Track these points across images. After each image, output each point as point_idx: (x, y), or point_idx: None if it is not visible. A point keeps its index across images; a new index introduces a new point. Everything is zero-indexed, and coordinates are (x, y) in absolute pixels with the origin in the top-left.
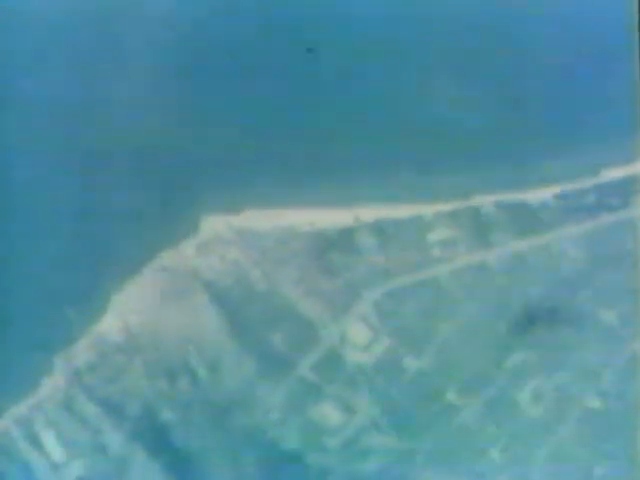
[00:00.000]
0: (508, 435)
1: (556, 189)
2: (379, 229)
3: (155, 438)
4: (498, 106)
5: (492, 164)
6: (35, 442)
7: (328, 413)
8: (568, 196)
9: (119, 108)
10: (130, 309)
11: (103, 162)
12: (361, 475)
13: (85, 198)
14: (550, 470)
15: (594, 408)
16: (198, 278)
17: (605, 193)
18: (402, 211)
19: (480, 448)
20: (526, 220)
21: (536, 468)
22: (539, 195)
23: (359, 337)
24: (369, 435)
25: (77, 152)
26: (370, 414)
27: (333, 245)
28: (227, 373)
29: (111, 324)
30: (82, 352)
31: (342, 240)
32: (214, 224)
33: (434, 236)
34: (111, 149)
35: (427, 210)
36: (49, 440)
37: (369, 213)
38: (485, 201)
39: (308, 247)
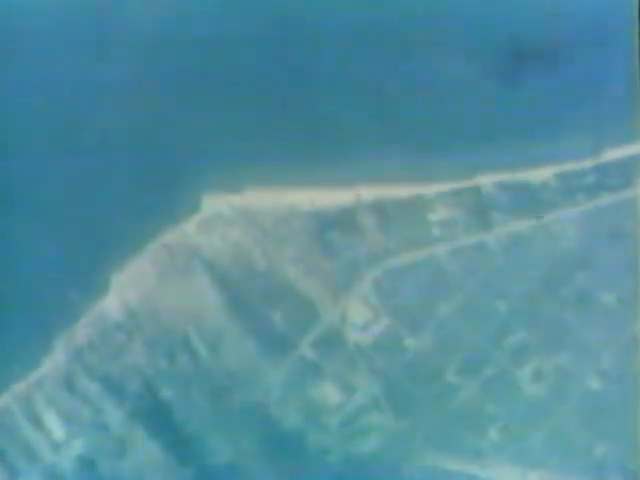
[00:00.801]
0: (507, 414)
1: (557, 169)
2: (379, 209)
3: (155, 417)
4: (498, 86)
5: (493, 144)
6: (35, 420)
7: (328, 392)
8: (569, 176)
9: (118, 87)
10: (130, 288)
11: (103, 142)
12: (360, 454)
13: (85, 177)
14: (550, 450)
15: (594, 388)
16: (199, 257)
17: (606, 173)
18: (402, 191)
19: (479, 427)
20: (526, 200)
21: (535, 448)
22: (540, 175)
23: (359, 316)
24: (368, 414)
25: (76, 132)
26: (370, 393)
27: (333, 224)
28: (227, 352)
29: (111, 303)
30: (82, 331)
31: (342, 219)
32: (215, 203)
33: (434, 216)
34: (110, 128)
35: (428, 190)
36: (49, 418)
37: (369, 193)
38: (486, 181)
39: (308, 226)
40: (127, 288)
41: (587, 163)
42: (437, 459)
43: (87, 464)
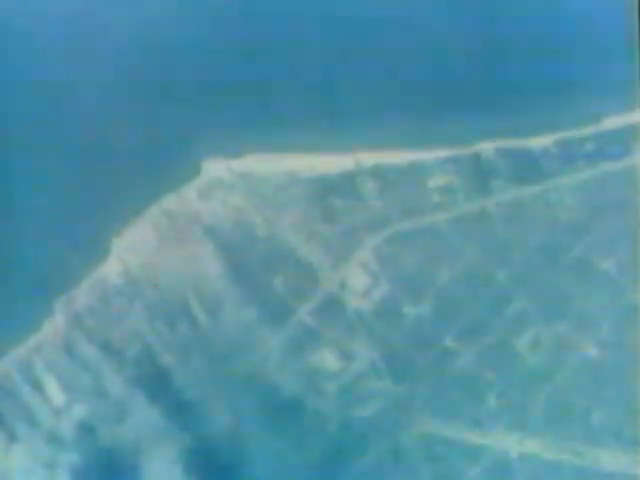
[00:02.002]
0: (506, 382)
1: (557, 136)
2: (379, 175)
3: (155, 382)
4: (500, 56)
5: (493, 111)
6: (35, 385)
7: (327, 358)
8: (568, 144)
9: (122, 53)
10: (131, 253)
11: (105, 108)
12: (359, 420)
13: (88, 143)
14: (547, 417)
15: (592, 356)
16: (199, 223)
17: (605, 141)
18: (403, 157)
19: (477, 394)
20: (526, 167)
21: (533, 415)
22: (540, 142)
23: (359, 283)
24: (367, 380)
25: (80, 101)
26: (369, 359)
27: (333, 190)
28: (227, 318)
29: (112, 268)
30: (82, 295)
31: (343, 185)
32: (215, 168)
33: (434, 182)
34: (113, 95)
35: (427, 156)
36: (49, 384)
37: (370, 158)
38: (486, 148)
39: (309, 192)
40: (127, 253)
41: (587, 131)
42: (435, 426)
43: (87, 429)
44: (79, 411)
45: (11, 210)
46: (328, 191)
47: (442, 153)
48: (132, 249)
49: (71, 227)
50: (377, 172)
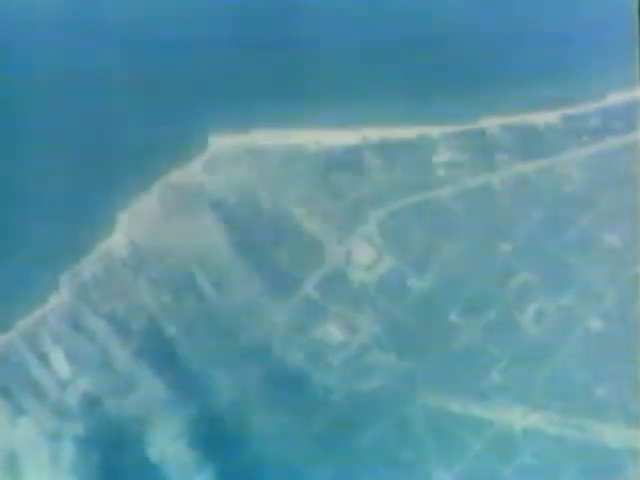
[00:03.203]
0: (509, 356)
1: (562, 112)
2: (385, 149)
3: (161, 354)
4: (504, 31)
5: (499, 86)
6: (42, 357)
7: (331, 332)
8: (574, 119)
9: (126, 28)
10: (136, 226)
11: (110, 82)
12: (363, 393)
13: (93, 116)
14: (551, 391)
15: (596, 329)
16: (205, 196)
17: (610, 116)
18: (408, 132)
19: (481, 368)
20: (531, 142)
21: (537, 389)
22: (545, 117)
23: (363, 257)
24: (371, 354)
25: (86, 72)
26: (373, 333)
27: (339, 165)
28: (232, 291)
29: (117, 240)
30: (88, 267)
31: (348, 160)
32: (221, 143)
33: (439, 157)
34: (119, 68)
35: (433, 131)
36: (56, 355)
37: (375, 133)
38: (491, 123)
39: (314, 166)
40: (133, 227)
41: (592, 106)
42: (439, 400)
43: (92, 401)
44: (85, 383)
45: (16, 184)
46: (333, 166)
47: (447, 128)
48: (138, 223)
49: (76, 200)
50: (382, 147)
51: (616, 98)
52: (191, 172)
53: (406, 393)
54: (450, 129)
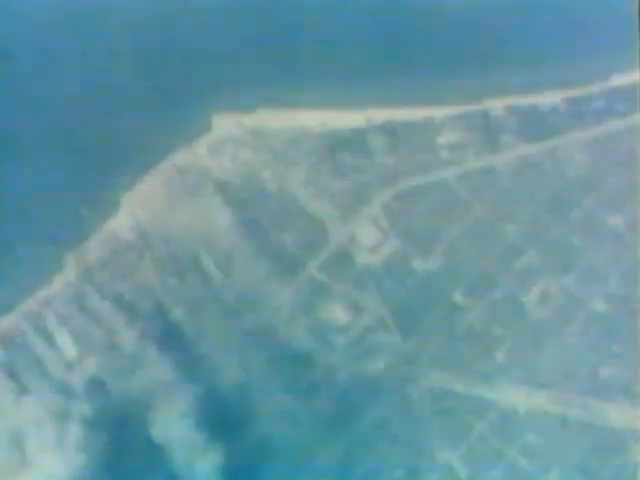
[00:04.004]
0: (513, 337)
1: (566, 94)
2: (389, 131)
3: (166, 336)
4: (509, 14)
5: (503, 68)
6: (47, 338)
7: (336, 312)
8: (577, 101)
9: (133, 10)
10: (141, 207)
11: (115, 62)
12: (367, 374)
13: (98, 96)
14: (555, 371)
15: (600, 310)
16: (209, 178)
17: (614, 98)
18: (412, 113)
19: (486, 349)
20: (535, 124)
21: (541, 370)
22: (549, 99)
23: (368, 238)
24: (376, 334)
25: (91, 53)
26: (377, 314)
27: (344, 146)
28: (237, 272)
29: (122, 222)
30: (94, 249)
31: (353, 141)
32: (226, 124)
33: (444, 139)
34: (123, 48)
35: (437, 113)
36: (62, 336)
37: (380, 114)
38: (495, 105)
39: (319, 148)
40: (138, 208)
41: (595, 88)
42: (444, 380)
43: (98, 382)
44: (90, 364)
45: (22, 164)
46: (338, 147)
47: (452, 110)
48: (143, 204)
49: (82, 181)
50: (387, 128)
51: (619, 80)
52: (196, 154)
53: (410, 374)
54: (454, 111)
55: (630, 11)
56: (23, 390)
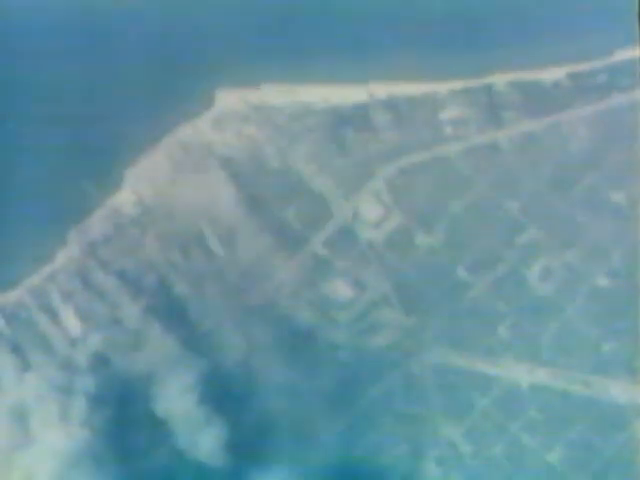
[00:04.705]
0: (517, 312)
1: (569, 69)
2: (392, 106)
3: (170, 311)
4: None
5: (506, 43)
6: (51, 314)
7: (339, 288)
8: (580, 76)
9: None
10: (145, 183)
11: (119, 38)
12: (370, 350)
13: (101, 71)
14: (558, 347)
15: (602, 286)
16: (213, 153)
17: (617, 73)
18: (415, 89)
19: (489, 325)
20: (538, 99)
21: (544, 345)
22: (552, 74)
23: (371, 214)
24: (379, 310)
25: (95, 30)
26: (380, 290)
27: (347, 121)
28: (240, 248)
29: (126, 197)
30: (97, 224)
31: (356, 117)
32: (229, 99)
33: (446, 114)
34: (127, 25)
35: (440, 88)
36: (66, 312)
37: (383, 90)
38: (498, 80)
39: (322, 123)
40: (141, 183)
41: (598, 63)
42: (447, 356)
43: (102, 357)
44: (94, 339)
45: (25, 140)
46: (341, 122)
47: (455, 85)
48: (146, 179)
49: (85, 157)
50: (390, 104)
51: (622, 55)
52: (199, 129)
53: (413, 349)
54: (457, 86)
55: None
56: (27, 366)
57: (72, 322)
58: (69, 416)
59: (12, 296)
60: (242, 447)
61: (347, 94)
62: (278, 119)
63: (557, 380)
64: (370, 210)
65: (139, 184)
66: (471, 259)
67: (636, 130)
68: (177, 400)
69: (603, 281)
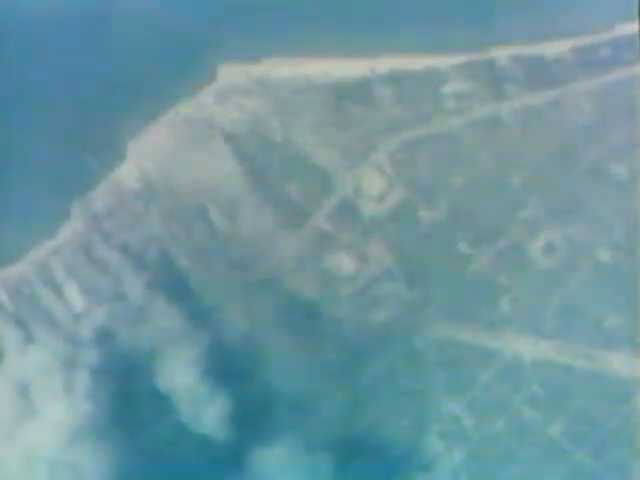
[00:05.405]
0: (519, 286)
1: (571, 43)
2: (395, 80)
3: (173, 285)
4: None
5: (508, 17)
6: (55, 287)
7: (342, 262)
8: (583, 50)
9: None
10: (147, 157)
11: (122, 11)
12: (373, 324)
13: (105, 48)
14: (560, 320)
15: (604, 260)
16: (215, 127)
17: (619, 47)
18: (418, 62)
19: (491, 299)
20: (541, 73)
21: (546, 318)
22: (554, 48)
23: (374, 188)
24: (382, 284)
25: (96, 5)
26: (383, 264)
27: (349, 95)
28: (243, 222)
29: (129, 171)
30: (100, 198)
31: (358, 91)
32: (232, 73)
33: (449, 88)
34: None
35: (442, 62)
36: (69, 286)
37: (385, 64)
38: (500, 54)
39: (324, 97)
40: (144, 157)
41: (600, 37)
42: (449, 330)
43: (106, 331)
44: (98, 313)
45: (28, 114)
46: (344, 96)
47: (457, 59)
48: (149, 153)
49: (88, 130)
50: (392, 78)
51: (624, 29)
52: (202, 103)
53: (416, 324)
54: (459, 60)
55: None
56: (30, 339)
57: (75, 296)
58: (72, 389)
59: (15, 270)
60: (245, 421)
61: (349, 68)
62: (280, 93)
63: (559, 354)
64: (372, 184)
65: (142, 158)
66: (473, 233)
67: (638, 104)
68: (180, 374)
69: (605, 255)
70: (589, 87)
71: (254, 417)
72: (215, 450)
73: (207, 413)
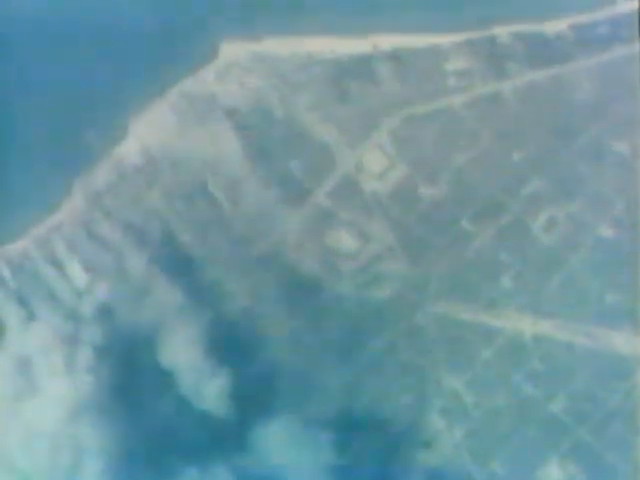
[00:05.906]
0: (521, 263)
1: (571, 20)
2: (396, 58)
3: (175, 261)
4: None
5: None
6: (56, 264)
7: (343, 239)
8: (583, 27)
9: None
10: (149, 133)
11: None
12: (375, 301)
13: (105, 26)
14: (561, 298)
15: (606, 237)
16: (217, 104)
17: (619, 24)
18: (419, 40)
19: (493, 276)
20: (541, 51)
21: (548, 295)
22: (555, 26)
23: (375, 165)
24: (383, 261)
25: None
26: (385, 241)
27: (351, 73)
28: (244, 198)
29: (130, 147)
30: (102, 174)
31: (359, 68)
32: (233, 50)
33: (450, 65)
34: None
35: (444, 40)
36: (71, 262)
37: (387, 41)
38: (501, 31)
39: (326, 74)
40: (146, 134)
41: (601, 14)
42: (451, 307)
43: (108, 307)
44: (100, 289)
45: (28, 89)
46: (345, 73)
47: (458, 37)
48: (150, 130)
49: (89, 107)
50: (394, 55)
51: (623, 7)
52: (204, 80)
53: (417, 301)
54: (461, 37)
55: None
56: (32, 316)
57: (77, 273)
58: (74, 366)
59: (17, 247)
60: (247, 397)
61: (350, 45)
62: (282, 69)
63: (560, 331)
64: (374, 161)
65: (144, 134)
66: (475, 210)
67: (638, 81)
68: (182, 350)
69: (607, 232)
70: (589, 64)
71: (255, 392)
72: (216, 425)
73: (208, 388)
